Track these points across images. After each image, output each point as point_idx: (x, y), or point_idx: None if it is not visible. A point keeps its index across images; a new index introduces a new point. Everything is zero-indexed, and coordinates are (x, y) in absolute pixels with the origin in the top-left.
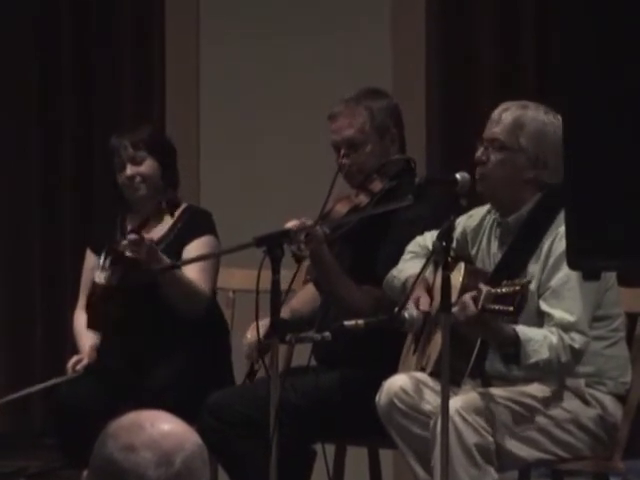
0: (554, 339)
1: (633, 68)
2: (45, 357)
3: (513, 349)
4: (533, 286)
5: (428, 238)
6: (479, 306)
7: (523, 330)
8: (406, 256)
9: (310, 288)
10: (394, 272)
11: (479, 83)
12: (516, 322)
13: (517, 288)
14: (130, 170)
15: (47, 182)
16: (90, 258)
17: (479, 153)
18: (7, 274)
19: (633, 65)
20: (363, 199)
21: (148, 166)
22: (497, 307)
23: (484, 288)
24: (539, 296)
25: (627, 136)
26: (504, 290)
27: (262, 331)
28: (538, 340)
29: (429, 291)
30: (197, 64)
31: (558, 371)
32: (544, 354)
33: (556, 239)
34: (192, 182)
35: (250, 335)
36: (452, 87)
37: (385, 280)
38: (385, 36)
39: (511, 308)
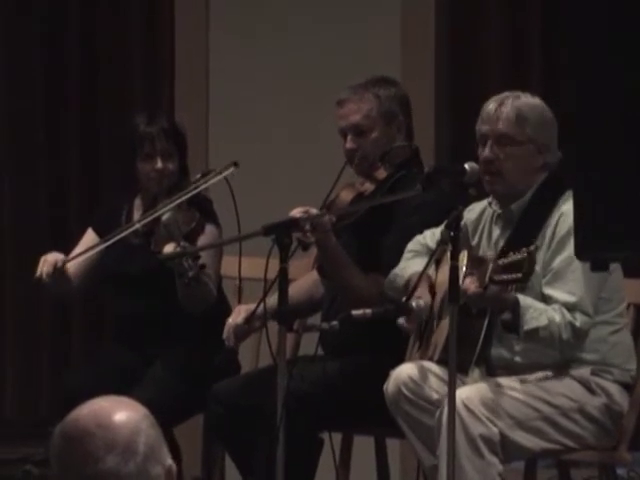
0: (556, 315)
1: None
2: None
3: (511, 315)
4: (538, 268)
5: (428, 236)
6: (486, 279)
7: (525, 299)
8: (407, 255)
9: (308, 277)
10: (396, 271)
11: (488, 70)
12: (525, 288)
13: (524, 255)
14: (161, 164)
15: (53, 170)
16: (89, 236)
17: (487, 152)
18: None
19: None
20: (368, 187)
21: (174, 163)
22: (505, 277)
23: (491, 261)
24: (543, 277)
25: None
26: (511, 259)
27: (244, 316)
28: (538, 308)
29: (432, 287)
30: (207, 60)
31: (560, 349)
32: (542, 321)
33: (559, 221)
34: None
35: (231, 319)
36: (461, 75)
37: (387, 280)
38: (395, 24)
39: (520, 275)
